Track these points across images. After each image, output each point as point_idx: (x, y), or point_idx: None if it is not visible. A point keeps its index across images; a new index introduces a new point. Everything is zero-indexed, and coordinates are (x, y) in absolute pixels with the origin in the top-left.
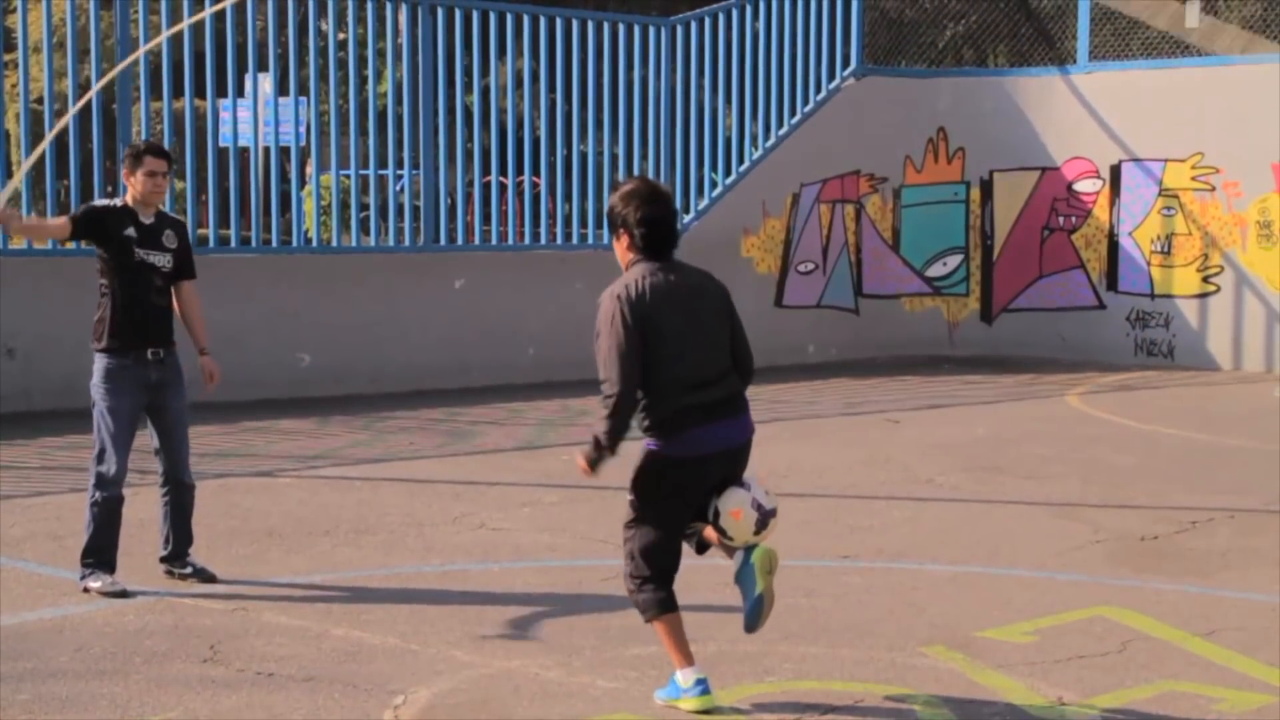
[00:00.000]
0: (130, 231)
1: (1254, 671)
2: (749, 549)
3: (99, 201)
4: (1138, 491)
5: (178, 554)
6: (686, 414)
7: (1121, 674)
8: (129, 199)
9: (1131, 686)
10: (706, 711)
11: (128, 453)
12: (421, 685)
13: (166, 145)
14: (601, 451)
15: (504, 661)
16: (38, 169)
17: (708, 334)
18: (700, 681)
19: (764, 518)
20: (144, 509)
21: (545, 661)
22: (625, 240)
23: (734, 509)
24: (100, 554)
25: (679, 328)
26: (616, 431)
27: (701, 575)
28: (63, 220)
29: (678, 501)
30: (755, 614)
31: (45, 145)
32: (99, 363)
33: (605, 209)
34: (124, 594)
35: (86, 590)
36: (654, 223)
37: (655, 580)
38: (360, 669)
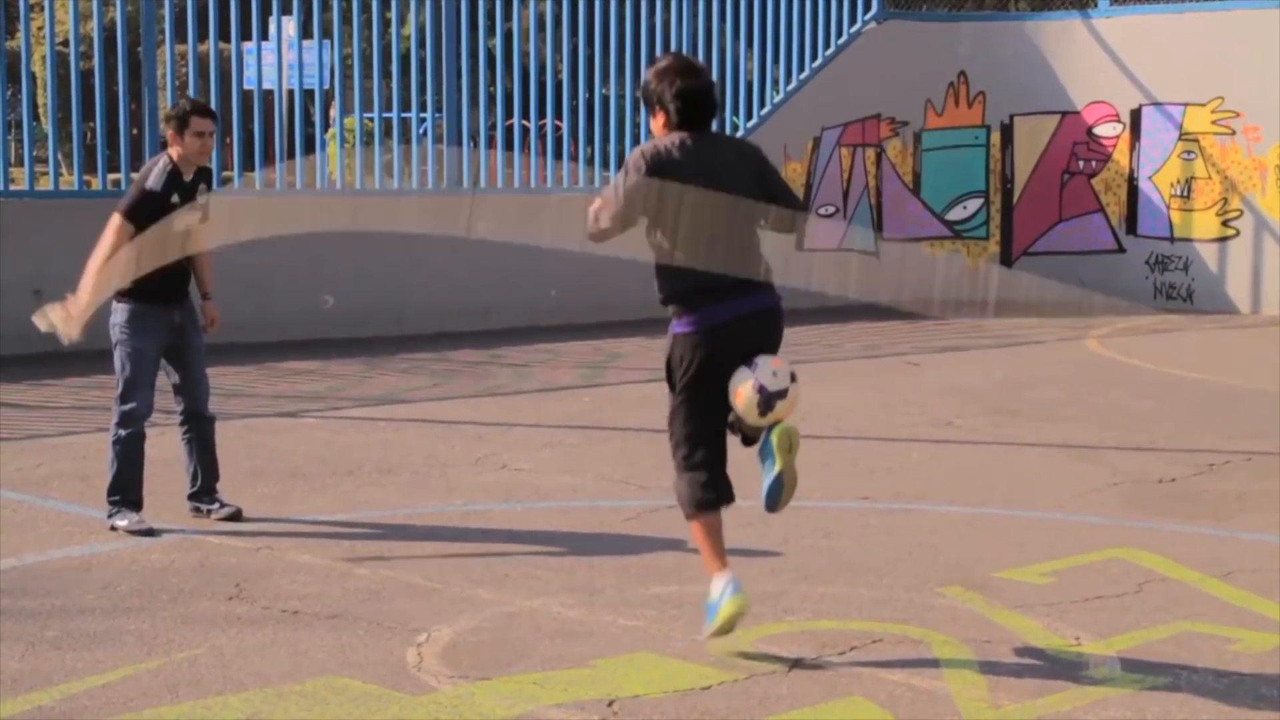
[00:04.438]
0: (175, 198)
1: (1270, 612)
2: (771, 427)
3: (149, 182)
4: (1155, 434)
5: (206, 489)
6: (704, 289)
7: (1138, 614)
8: (174, 155)
9: (1148, 627)
10: (724, 633)
11: (153, 391)
12: (444, 623)
13: (191, 88)
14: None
15: (526, 600)
16: (63, 111)
17: (733, 209)
18: (732, 583)
19: (767, 399)
20: (168, 449)
21: (567, 600)
22: (662, 118)
23: (737, 389)
24: (125, 491)
25: (701, 201)
26: (597, 229)
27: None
28: (116, 239)
29: (705, 379)
30: (774, 493)
31: None
32: (123, 307)
33: (640, 87)
34: (150, 532)
35: (114, 529)
36: (690, 96)
37: (699, 471)
38: (384, 607)
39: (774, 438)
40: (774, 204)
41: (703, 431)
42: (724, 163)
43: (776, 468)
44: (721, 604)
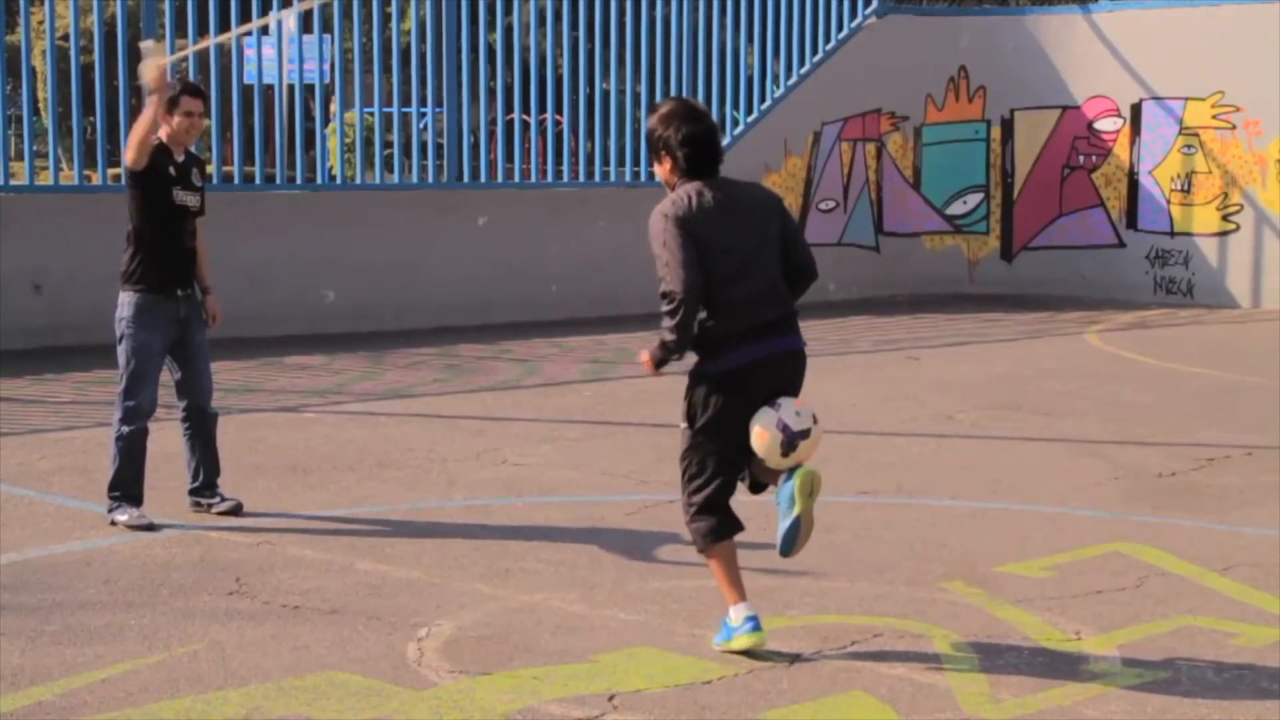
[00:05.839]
0: (170, 170)
1: (1270, 606)
2: (792, 470)
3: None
4: (1156, 429)
5: (208, 484)
6: (734, 333)
7: (1138, 609)
8: (163, 136)
9: (1148, 621)
10: (748, 652)
11: (157, 386)
12: (445, 618)
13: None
14: (667, 352)
15: (527, 595)
16: (64, 106)
17: (756, 253)
18: (750, 618)
19: (790, 440)
20: (169, 443)
21: (568, 595)
22: (669, 164)
23: (759, 429)
24: (127, 487)
25: (726, 248)
26: (682, 332)
27: None
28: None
29: (725, 420)
30: (790, 538)
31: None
32: (129, 299)
33: (645, 133)
34: (151, 527)
35: (114, 524)
36: (696, 141)
37: (709, 508)
38: (384, 602)
39: (795, 480)
40: (789, 269)
41: (720, 471)
42: (746, 207)
43: (795, 511)
44: (738, 634)
